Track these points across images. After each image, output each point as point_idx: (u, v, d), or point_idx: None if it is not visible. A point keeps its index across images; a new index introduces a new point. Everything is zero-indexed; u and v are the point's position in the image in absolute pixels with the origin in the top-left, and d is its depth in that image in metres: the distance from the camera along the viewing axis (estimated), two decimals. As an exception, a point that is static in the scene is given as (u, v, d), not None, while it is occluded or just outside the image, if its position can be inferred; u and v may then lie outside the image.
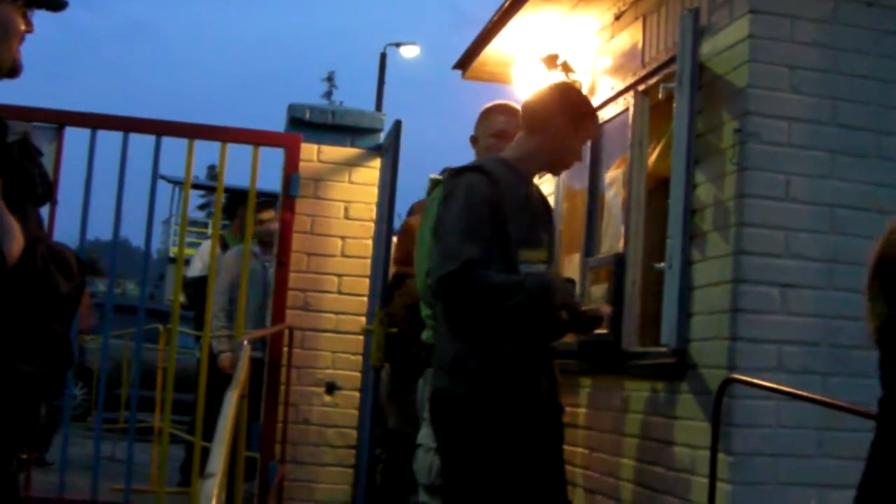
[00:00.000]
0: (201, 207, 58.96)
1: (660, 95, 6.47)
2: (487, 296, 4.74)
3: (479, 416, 4.75)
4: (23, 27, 2.99)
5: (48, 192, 3.08)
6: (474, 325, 4.82)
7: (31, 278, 2.72)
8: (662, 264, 6.04)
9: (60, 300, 2.82)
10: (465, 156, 5.98)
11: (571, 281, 5.42)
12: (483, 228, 4.77)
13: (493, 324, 4.78)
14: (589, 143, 5.97)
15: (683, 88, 5.94)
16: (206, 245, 10.49)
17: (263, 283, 9.47)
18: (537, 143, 5.12)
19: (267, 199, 10.04)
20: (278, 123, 9.20)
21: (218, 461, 2.92)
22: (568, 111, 5.17)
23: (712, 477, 5.16)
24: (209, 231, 44.36)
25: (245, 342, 5.84)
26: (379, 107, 30.95)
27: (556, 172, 5.75)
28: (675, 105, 6.06)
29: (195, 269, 10.78)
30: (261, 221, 9.61)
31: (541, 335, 4.97)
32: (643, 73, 6.80)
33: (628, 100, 6.99)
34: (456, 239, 4.79)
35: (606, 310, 5.18)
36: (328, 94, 57.90)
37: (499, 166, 4.97)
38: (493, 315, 4.76)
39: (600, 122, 5.21)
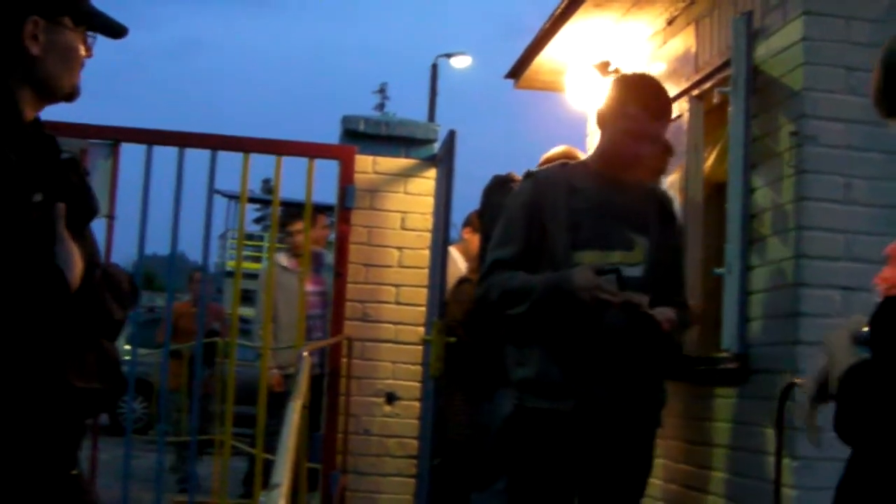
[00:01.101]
0: (257, 221, 59.23)
1: (714, 100, 6.44)
2: (509, 295, 4.69)
3: (518, 429, 4.73)
4: (83, 53, 3.03)
5: (95, 210, 3.12)
6: (514, 334, 4.81)
7: (88, 304, 2.75)
8: (722, 269, 6.02)
9: (113, 324, 2.86)
10: (519, 164, 5.98)
11: (614, 270, 4.78)
12: (516, 232, 4.76)
13: (526, 329, 4.72)
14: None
15: (738, 92, 5.91)
16: (266, 265, 10.52)
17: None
18: (602, 140, 5.06)
19: (296, 211, 10.02)
20: (331, 136, 9.23)
21: (283, 472, 2.94)
22: (614, 101, 4.99)
23: (777, 482, 5.13)
24: (265, 244, 44.46)
25: (305, 354, 5.85)
26: (431, 117, 31.00)
27: (631, 171, 5.09)
28: (730, 109, 6.04)
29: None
30: (290, 233, 9.64)
31: (589, 339, 4.74)
32: (697, 77, 6.77)
33: (683, 105, 6.97)
34: (491, 246, 4.83)
35: (641, 298, 4.73)
36: (380, 107, 58.09)
37: (561, 171, 4.91)
38: (524, 317, 4.70)
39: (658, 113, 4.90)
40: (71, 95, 3.05)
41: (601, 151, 4.97)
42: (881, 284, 3.07)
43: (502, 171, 6.55)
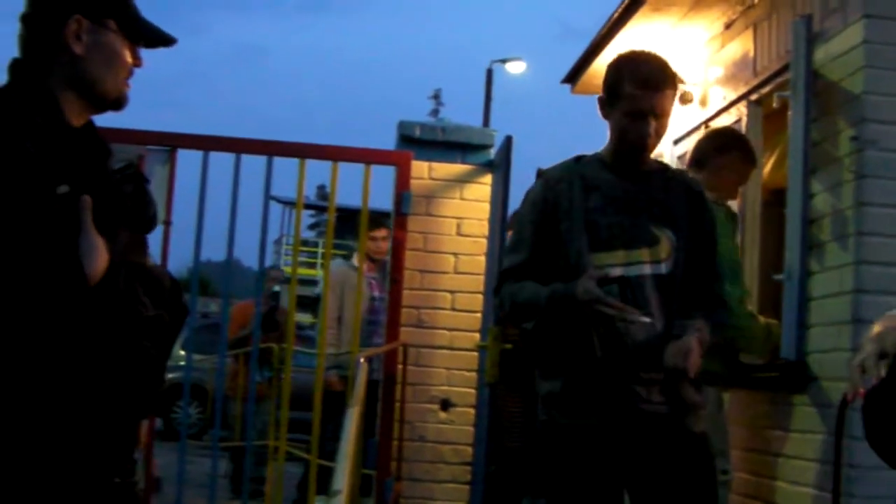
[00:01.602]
0: (311, 227, 59.50)
1: (773, 104, 6.39)
2: (518, 309, 4.42)
3: (546, 443, 4.55)
4: (130, 61, 3.03)
5: (152, 219, 3.10)
6: (534, 346, 4.63)
7: (113, 299, 2.73)
8: (781, 275, 5.97)
9: (146, 321, 2.83)
10: None
11: (616, 280, 4.34)
12: (526, 237, 4.46)
13: (545, 341, 4.51)
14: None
15: (798, 96, 5.87)
16: (336, 264, 10.53)
17: (369, 301, 9.54)
18: (609, 130, 4.56)
19: (380, 218, 10.08)
20: (386, 142, 9.24)
21: (343, 478, 2.93)
22: (608, 85, 4.48)
23: (836, 491, 5.07)
24: (319, 250, 44.48)
25: (362, 360, 5.84)
26: (486, 123, 30.97)
27: (643, 155, 4.50)
28: (789, 114, 5.99)
29: (319, 289, 10.90)
30: (374, 238, 9.66)
31: (610, 352, 4.30)
32: (755, 82, 6.73)
33: (741, 110, 6.93)
34: (504, 253, 4.69)
35: (641, 317, 4.17)
36: (435, 112, 58.19)
37: (574, 167, 4.52)
38: (537, 331, 4.46)
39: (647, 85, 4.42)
40: (118, 102, 3.04)
41: (610, 142, 4.52)
42: None
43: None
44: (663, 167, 4.66)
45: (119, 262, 2.77)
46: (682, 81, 7.59)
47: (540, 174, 4.67)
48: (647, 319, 4.20)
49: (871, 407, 2.96)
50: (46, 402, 2.67)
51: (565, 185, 4.43)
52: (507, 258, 4.55)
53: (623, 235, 4.32)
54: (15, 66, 2.94)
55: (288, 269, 12.92)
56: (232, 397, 12.27)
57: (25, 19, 2.96)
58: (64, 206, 2.69)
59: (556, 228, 4.37)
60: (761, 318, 5.95)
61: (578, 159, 4.56)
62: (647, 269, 4.31)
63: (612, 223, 4.33)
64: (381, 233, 9.82)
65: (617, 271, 4.28)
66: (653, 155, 4.55)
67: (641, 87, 4.29)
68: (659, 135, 4.36)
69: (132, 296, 2.80)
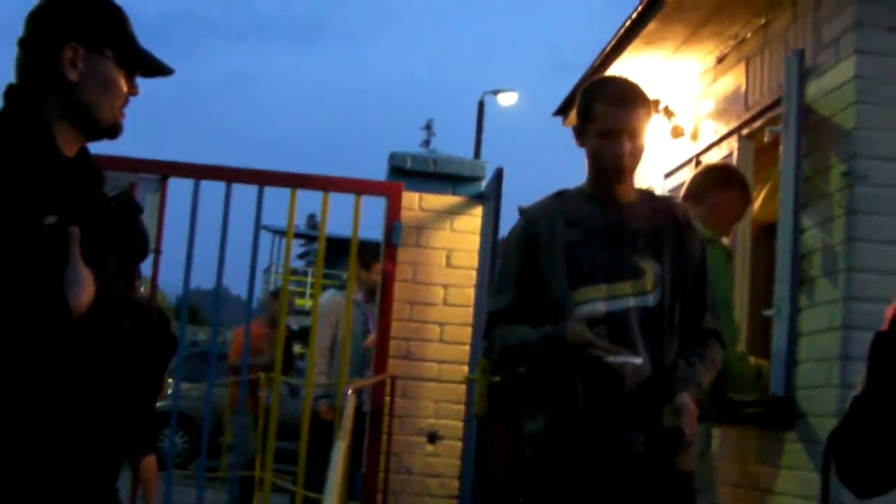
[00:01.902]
0: (301, 256, 59.45)
1: (765, 139, 6.39)
2: (509, 353, 4.31)
3: (530, 482, 4.46)
4: (126, 89, 3.02)
5: (143, 249, 3.09)
6: (521, 388, 4.53)
7: (99, 330, 2.72)
8: (770, 311, 5.95)
9: (133, 353, 2.82)
10: None
11: (605, 321, 4.20)
12: (510, 277, 4.34)
13: (532, 383, 4.42)
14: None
15: (789, 131, 5.87)
16: (327, 294, 10.50)
17: (364, 332, 9.50)
18: (586, 158, 4.43)
19: (375, 248, 10.02)
20: (376, 170, 9.23)
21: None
22: (579, 111, 4.38)
23: (824, 528, 5.05)
24: (308, 279, 44.41)
25: (350, 392, 5.81)
26: (477, 154, 30.95)
27: (621, 178, 4.33)
28: (781, 148, 5.99)
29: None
30: (378, 272, 9.61)
31: (596, 392, 4.16)
32: (747, 116, 6.73)
33: (732, 144, 6.93)
34: (488, 294, 4.61)
35: (632, 359, 4.07)
36: (426, 143, 58.10)
37: (554, 202, 4.41)
38: (528, 375, 4.34)
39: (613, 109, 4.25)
40: (113, 130, 3.03)
41: (588, 170, 4.38)
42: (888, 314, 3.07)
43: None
44: (648, 195, 4.57)
45: (105, 293, 2.75)
46: (673, 115, 7.60)
47: (521, 212, 4.56)
48: (637, 361, 4.09)
49: (835, 441, 3.00)
50: (29, 433, 2.66)
51: (546, 221, 4.32)
52: (493, 300, 4.45)
53: (605, 269, 4.20)
54: (10, 93, 2.93)
55: (277, 299, 12.83)
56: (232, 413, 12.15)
57: (24, 44, 2.96)
58: (51, 237, 2.68)
59: (537, 266, 4.26)
60: (752, 359, 5.91)
61: (560, 194, 4.45)
62: (631, 302, 4.18)
63: (595, 257, 4.21)
64: (378, 266, 9.76)
65: (601, 307, 4.16)
66: (644, 187, 4.51)
67: (612, 104, 4.20)
68: (634, 156, 4.23)
69: (118, 327, 2.78)
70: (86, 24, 2.96)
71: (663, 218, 4.33)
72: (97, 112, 2.96)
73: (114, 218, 2.94)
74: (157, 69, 3.11)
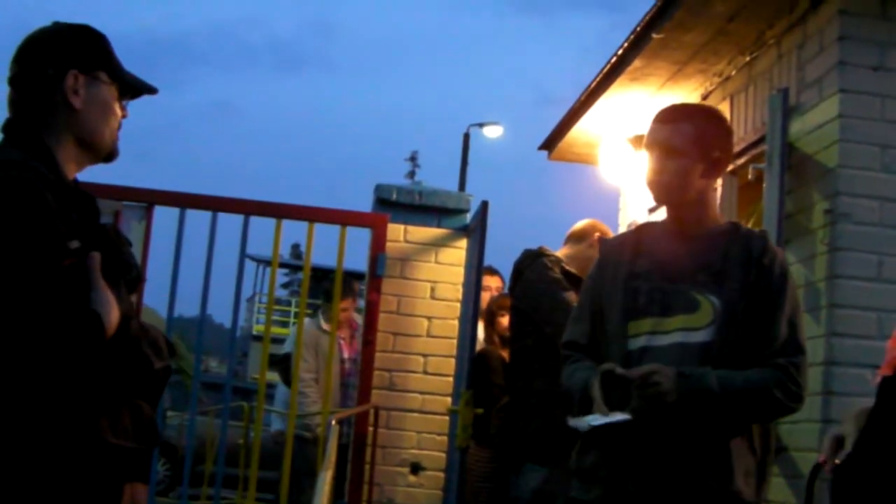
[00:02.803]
0: (284, 286, 59.41)
1: (749, 176, 6.44)
2: (568, 394, 4.13)
3: None
4: (119, 112, 3.07)
5: (138, 278, 3.14)
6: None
7: (126, 353, 2.76)
8: (753, 346, 5.98)
9: (151, 377, 2.87)
10: (549, 235, 5.84)
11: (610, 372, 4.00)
12: (585, 306, 4.23)
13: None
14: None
15: (773, 169, 5.91)
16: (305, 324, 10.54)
17: (339, 362, 9.52)
18: None
19: (353, 282, 10.02)
20: (361, 198, 9.23)
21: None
22: None
23: (805, 563, 5.07)
24: (292, 309, 44.22)
25: (333, 422, 5.82)
26: (462, 186, 30.98)
27: (671, 210, 4.19)
28: (764, 185, 6.03)
29: (288, 347, 10.81)
30: (343, 309, 9.60)
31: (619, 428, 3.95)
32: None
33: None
34: (569, 321, 4.42)
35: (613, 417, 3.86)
36: (411, 174, 58.23)
37: (634, 233, 4.32)
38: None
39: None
40: (111, 154, 3.10)
41: None
42: (891, 350, 2.99)
43: (532, 242, 6.50)
44: (730, 228, 4.20)
45: (128, 316, 2.80)
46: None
47: (601, 242, 4.47)
48: (619, 418, 3.85)
49: (839, 479, 2.98)
50: (61, 451, 2.70)
51: (616, 252, 4.22)
52: (569, 329, 4.31)
53: (662, 301, 4.01)
54: (9, 125, 2.97)
55: (260, 328, 12.87)
56: None
57: (16, 80, 3.00)
58: (77, 261, 2.72)
59: (601, 298, 4.15)
60: None
61: (644, 225, 4.36)
62: (677, 338, 3.97)
63: (653, 288, 4.04)
64: (346, 303, 9.73)
65: (640, 341, 3.99)
66: (731, 220, 4.31)
67: (655, 121, 4.09)
68: (668, 172, 4.02)
69: (142, 349, 2.83)
70: (80, 52, 3.02)
71: (735, 251, 4.06)
72: (100, 137, 3.02)
73: (120, 244, 2.99)
74: (143, 88, 3.18)
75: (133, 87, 3.14)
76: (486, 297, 8.59)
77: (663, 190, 4.07)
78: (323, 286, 9.56)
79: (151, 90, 3.20)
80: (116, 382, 2.78)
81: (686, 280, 4.02)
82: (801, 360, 3.94)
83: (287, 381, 9.84)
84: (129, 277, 3.03)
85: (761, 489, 3.96)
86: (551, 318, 5.61)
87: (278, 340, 24.05)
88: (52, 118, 2.95)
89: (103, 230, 2.97)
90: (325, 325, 9.57)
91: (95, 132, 3.01)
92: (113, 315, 2.73)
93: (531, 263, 6.05)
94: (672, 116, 4.07)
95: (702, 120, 4.08)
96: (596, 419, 3.87)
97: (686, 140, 4.00)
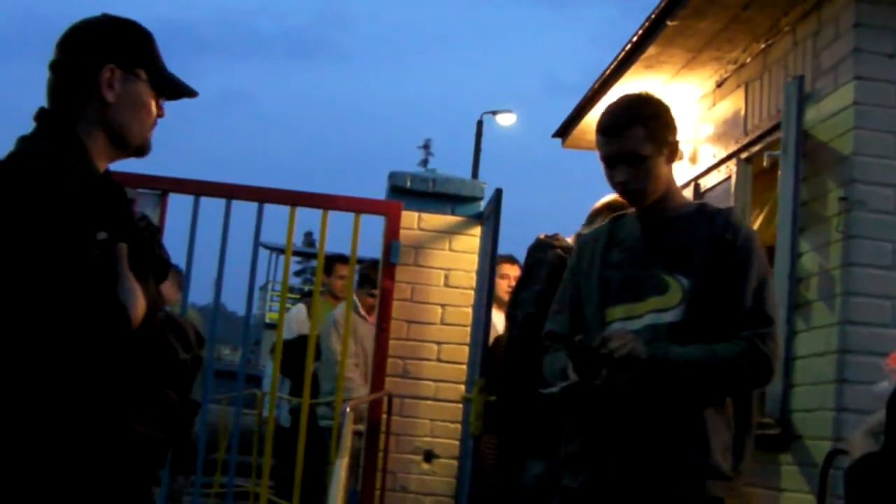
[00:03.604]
0: (297, 274, 59.40)
1: (764, 163, 6.43)
2: (547, 382, 4.20)
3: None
4: (154, 110, 3.08)
5: (167, 268, 3.15)
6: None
7: (152, 343, 2.77)
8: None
9: (178, 367, 2.87)
10: (563, 223, 5.82)
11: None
12: (565, 298, 4.37)
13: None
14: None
15: (788, 156, 5.90)
16: (297, 309, 10.55)
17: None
18: None
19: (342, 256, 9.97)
20: (374, 186, 9.25)
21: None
22: None
23: (819, 550, 5.07)
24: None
25: (348, 409, 5.83)
26: (475, 174, 30.95)
27: (629, 202, 4.34)
28: (779, 173, 6.02)
29: (288, 333, 10.75)
30: (342, 277, 9.55)
31: (599, 410, 4.07)
32: (746, 140, 6.76)
33: (731, 168, 6.96)
34: (549, 313, 4.54)
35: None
36: (424, 162, 58.11)
37: (607, 225, 4.39)
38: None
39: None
40: (142, 149, 3.11)
41: None
42: (891, 365, 2.91)
43: (546, 230, 6.49)
44: (696, 209, 4.33)
45: (154, 307, 2.81)
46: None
47: (578, 237, 4.57)
48: (555, 388, 4.02)
49: (857, 474, 2.95)
50: (88, 442, 2.71)
51: (590, 245, 4.35)
52: (549, 320, 4.44)
53: (634, 288, 4.13)
54: (43, 115, 2.98)
55: (274, 315, 12.87)
56: None
57: (56, 66, 3.01)
58: (104, 252, 2.73)
59: (579, 290, 4.28)
60: None
61: (618, 217, 4.43)
62: (649, 320, 4.08)
63: (626, 276, 4.17)
64: (345, 269, 9.65)
65: (615, 327, 4.07)
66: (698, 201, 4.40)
67: (601, 133, 4.17)
68: (641, 178, 4.12)
69: (168, 340, 2.83)
70: (121, 47, 3.03)
71: (701, 230, 4.17)
72: (129, 132, 3.03)
73: (149, 236, 3.01)
74: (183, 91, 3.20)
75: (171, 88, 3.15)
76: (503, 285, 8.58)
77: (640, 195, 4.17)
78: (358, 272, 9.48)
79: (191, 93, 3.22)
80: (142, 373, 2.79)
81: (657, 264, 4.13)
82: (768, 330, 4.04)
83: (288, 371, 9.76)
84: (159, 268, 3.04)
85: (739, 464, 4.05)
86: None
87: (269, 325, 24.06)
88: (85, 109, 2.96)
89: (133, 221, 2.98)
90: (362, 311, 9.54)
91: (125, 127, 3.02)
92: (139, 306, 2.73)
93: (542, 250, 6.06)
94: (619, 125, 4.14)
95: (647, 117, 4.16)
96: (564, 383, 3.97)
97: (642, 143, 4.10)
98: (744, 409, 4.10)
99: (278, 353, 8.35)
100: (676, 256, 4.13)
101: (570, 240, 5.96)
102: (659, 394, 3.97)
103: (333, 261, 10.15)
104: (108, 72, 2.97)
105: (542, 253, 6.01)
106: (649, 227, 4.23)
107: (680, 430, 3.97)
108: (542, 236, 6.22)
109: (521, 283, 6.16)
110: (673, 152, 4.17)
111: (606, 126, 4.17)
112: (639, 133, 4.10)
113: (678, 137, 4.21)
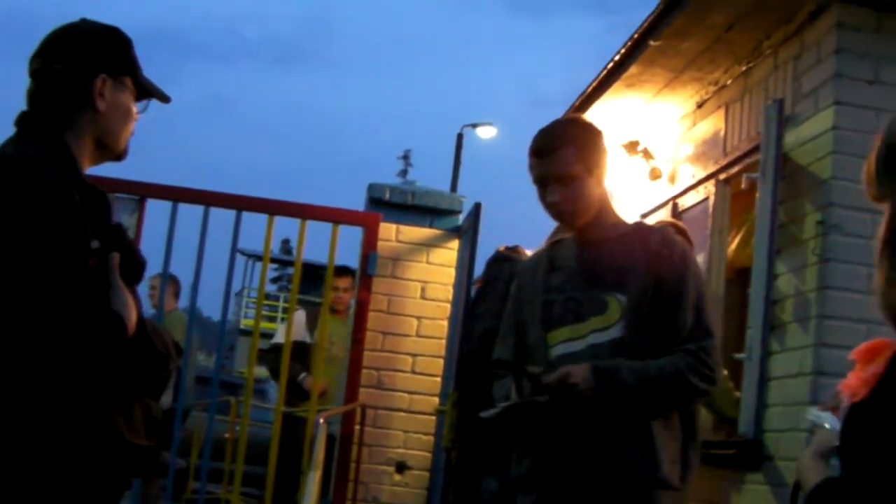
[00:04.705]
0: (274, 281, 59.38)
1: (742, 185, 6.45)
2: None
3: None
4: (135, 115, 3.11)
5: (142, 273, 3.16)
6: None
7: (143, 352, 2.78)
8: (742, 354, 6.00)
9: (166, 376, 2.89)
10: (541, 236, 5.81)
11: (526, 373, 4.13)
12: (509, 326, 4.40)
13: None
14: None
15: (767, 178, 5.93)
16: (297, 315, 10.55)
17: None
18: None
19: (344, 267, 9.98)
20: (353, 195, 9.24)
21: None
22: None
23: (788, 572, 5.08)
24: (280, 304, 44.15)
25: (322, 420, 5.83)
26: (454, 187, 30.98)
27: (563, 224, 4.43)
28: (757, 195, 6.05)
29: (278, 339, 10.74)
30: (335, 288, 9.57)
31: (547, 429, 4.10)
32: (725, 161, 6.79)
33: (709, 188, 6.99)
34: (497, 341, 4.57)
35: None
36: (403, 173, 58.23)
37: (546, 251, 4.47)
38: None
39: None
40: (122, 154, 3.14)
41: None
42: (844, 392, 2.87)
43: (524, 243, 6.49)
44: (634, 228, 4.38)
45: (142, 317, 2.83)
46: (652, 157, 7.66)
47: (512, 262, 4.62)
48: (491, 412, 4.07)
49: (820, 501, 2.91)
50: (84, 452, 2.73)
51: (530, 272, 4.41)
52: (497, 348, 4.46)
53: (576, 310, 4.17)
54: (25, 120, 2.98)
55: (249, 322, 12.87)
56: None
57: (46, 73, 3.00)
58: (96, 261, 2.75)
59: (522, 317, 4.31)
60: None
61: (555, 242, 4.48)
62: (591, 339, 4.11)
63: (567, 299, 4.21)
64: (344, 282, 9.66)
65: (559, 350, 4.14)
66: (636, 220, 4.47)
67: (531, 156, 4.22)
68: (572, 200, 4.17)
69: (152, 350, 2.84)
70: (111, 56, 3.05)
71: (638, 247, 4.21)
72: (115, 139, 3.07)
73: (130, 242, 3.02)
74: (158, 96, 3.22)
75: (147, 93, 3.18)
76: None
77: (571, 216, 4.22)
78: (314, 281, 9.50)
79: (165, 99, 3.25)
80: (132, 381, 2.80)
81: (595, 285, 4.18)
82: (709, 343, 4.12)
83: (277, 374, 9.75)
84: (139, 276, 3.06)
85: (686, 476, 4.08)
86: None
87: (266, 335, 24.10)
88: (75, 117, 2.97)
89: (118, 228, 2.99)
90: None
91: (112, 134, 3.05)
92: (132, 316, 2.75)
93: (499, 264, 6.10)
94: (549, 147, 4.20)
95: (577, 139, 4.21)
96: (504, 404, 4.03)
97: (572, 165, 4.15)
98: (689, 421, 4.14)
99: (251, 360, 8.34)
100: (614, 276, 4.18)
101: (530, 252, 5.97)
102: (608, 410, 4.00)
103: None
104: (100, 81, 2.99)
105: (499, 267, 6.04)
106: (586, 249, 4.27)
107: (629, 444, 4.01)
108: (501, 248, 6.26)
109: (480, 296, 6.19)
110: (603, 174, 4.22)
111: (537, 148, 4.22)
112: (569, 154, 4.16)
113: (606, 157, 4.25)
